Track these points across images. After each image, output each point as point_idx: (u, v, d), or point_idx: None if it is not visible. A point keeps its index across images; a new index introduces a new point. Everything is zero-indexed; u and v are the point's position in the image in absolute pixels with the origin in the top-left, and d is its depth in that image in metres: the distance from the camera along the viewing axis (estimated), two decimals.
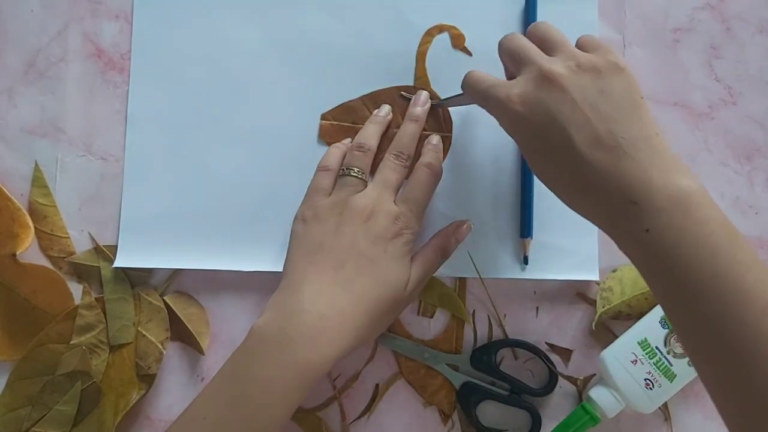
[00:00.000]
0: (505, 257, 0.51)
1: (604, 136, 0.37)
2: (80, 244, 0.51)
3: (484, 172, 0.51)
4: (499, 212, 0.51)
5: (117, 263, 0.50)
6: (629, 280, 0.50)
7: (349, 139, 0.51)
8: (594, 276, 0.50)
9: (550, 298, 0.51)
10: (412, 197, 0.46)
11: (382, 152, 0.49)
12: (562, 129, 0.38)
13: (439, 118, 0.51)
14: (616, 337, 0.49)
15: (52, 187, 0.52)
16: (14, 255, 0.51)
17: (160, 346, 0.50)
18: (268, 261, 0.50)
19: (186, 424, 0.41)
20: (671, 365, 0.47)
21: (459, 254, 0.50)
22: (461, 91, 0.45)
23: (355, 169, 0.47)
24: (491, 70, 0.45)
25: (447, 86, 0.51)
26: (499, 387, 0.50)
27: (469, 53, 0.52)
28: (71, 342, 0.50)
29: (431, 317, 0.51)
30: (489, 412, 0.50)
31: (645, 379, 0.47)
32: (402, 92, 0.52)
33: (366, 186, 0.47)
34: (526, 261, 0.50)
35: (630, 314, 0.50)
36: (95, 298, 0.50)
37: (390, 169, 0.47)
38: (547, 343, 0.51)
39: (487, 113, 0.43)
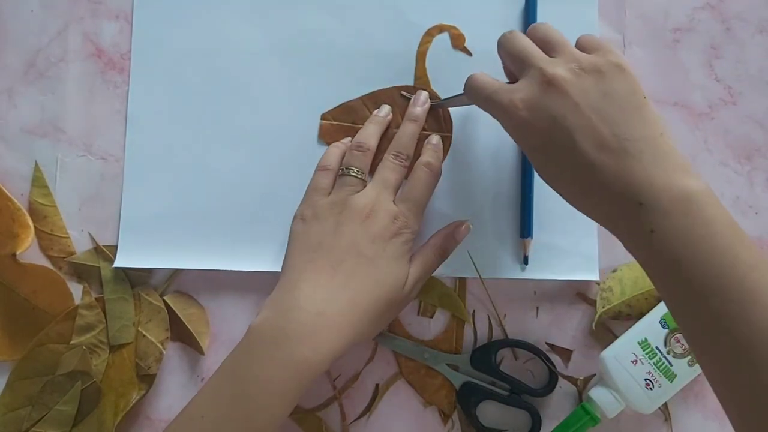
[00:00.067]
0: (505, 257, 0.51)
1: (609, 138, 0.37)
2: (80, 244, 0.52)
3: (484, 172, 0.51)
4: (499, 212, 0.51)
5: (117, 263, 0.50)
6: (629, 280, 0.50)
7: (349, 138, 0.51)
8: (594, 276, 0.50)
9: (550, 298, 0.51)
10: (411, 197, 0.47)
11: (381, 152, 0.49)
12: (567, 133, 0.38)
13: (439, 118, 0.51)
14: (616, 337, 0.49)
15: (52, 187, 0.52)
16: (14, 255, 0.51)
17: (160, 346, 0.50)
18: (267, 261, 0.50)
19: (184, 423, 0.41)
20: (671, 365, 0.47)
21: (459, 254, 0.50)
22: (461, 92, 0.45)
23: (355, 169, 0.47)
24: (491, 70, 0.45)
25: (447, 86, 0.51)
26: (499, 387, 0.50)
27: (469, 53, 0.52)
28: (71, 342, 0.50)
29: (431, 317, 0.51)
30: (489, 412, 0.50)
31: (645, 379, 0.47)
32: (402, 92, 0.52)
33: (365, 186, 0.47)
34: (526, 261, 0.50)
35: (630, 314, 0.50)
36: (95, 298, 0.50)
37: (389, 168, 0.47)
38: (547, 343, 0.51)
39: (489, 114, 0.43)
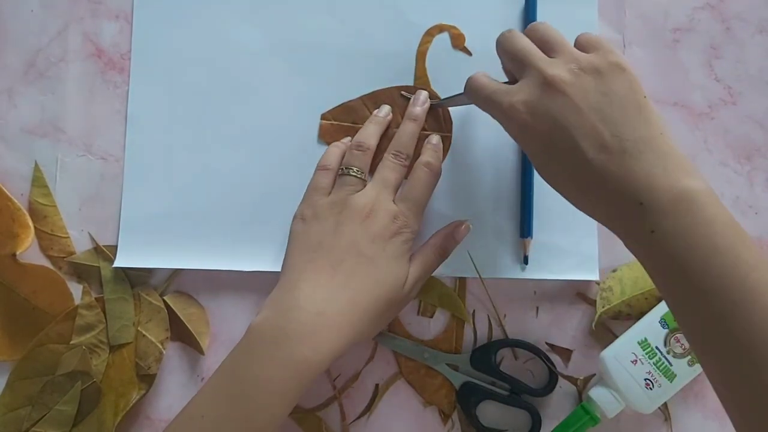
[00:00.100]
0: (505, 257, 0.51)
1: (609, 139, 0.37)
2: (80, 244, 0.51)
3: (484, 172, 0.51)
4: (499, 212, 0.51)
5: (117, 263, 0.50)
6: (629, 280, 0.50)
7: (349, 138, 0.51)
8: (594, 276, 0.50)
9: (550, 298, 0.51)
10: (411, 196, 0.47)
11: (381, 152, 0.49)
12: (568, 135, 0.38)
13: (439, 118, 0.51)
14: (616, 337, 0.49)
15: (52, 187, 0.52)
16: (14, 255, 0.51)
17: (160, 346, 0.50)
18: (267, 261, 0.50)
19: (184, 423, 0.41)
20: (671, 365, 0.47)
21: (459, 254, 0.50)
22: (461, 91, 0.46)
23: (354, 169, 0.47)
24: (491, 70, 0.45)
25: (447, 86, 0.51)
26: (499, 387, 0.50)
27: (469, 53, 0.52)
28: (71, 342, 0.50)
29: (431, 317, 0.51)
30: (489, 412, 0.50)
31: (645, 379, 0.47)
32: (402, 92, 0.52)
33: (365, 185, 0.47)
34: (526, 261, 0.50)
35: (630, 314, 0.50)
36: (95, 298, 0.50)
37: (389, 168, 0.47)
38: (547, 343, 0.51)
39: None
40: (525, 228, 0.50)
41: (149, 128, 0.52)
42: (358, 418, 0.50)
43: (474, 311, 0.51)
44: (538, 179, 0.46)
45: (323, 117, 0.52)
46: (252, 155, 0.51)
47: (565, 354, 0.51)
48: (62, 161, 0.52)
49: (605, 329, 0.51)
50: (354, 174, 0.47)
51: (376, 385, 0.51)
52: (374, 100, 0.52)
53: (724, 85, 0.53)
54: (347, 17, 0.52)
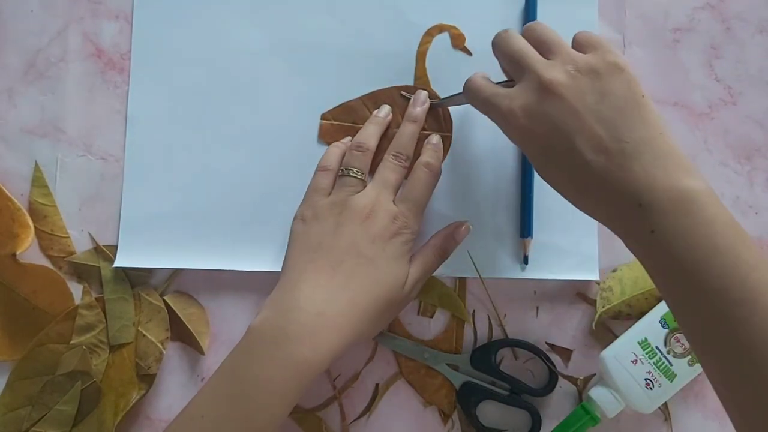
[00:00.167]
0: (505, 257, 0.51)
1: (608, 141, 0.37)
2: (80, 244, 0.51)
3: (484, 172, 0.51)
4: (499, 212, 0.51)
5: (117, 263, 0.50)
6: (629, 280, 0.50)
7: (349, 138, 0.51)
8: (594, 276, 0.50)
9: (550, 298, 0.51)
10: (411, 197, 0.47)
11: (381, 152, 0.49)
12: (566, 138, 0.38)
13: (439, 118, 0.51)
14: (616, 337, 0.49)
15: (52, 187, 0.52)
16: (14, 255, 0.51)
17: (160, 346, 0.50)
18: (267, 261, 0.50)
19: (184, 423, 0.41)
20: (671, 365, 0.47)
21: (459, 254, 0.50)
22: (461, 91, 0.46)
23: (354, 170, 0.47)
24: (491, 70, 0.45)
25: (447, 86, 0.51)
26: (499, 387, 0.50)
27: (469, 53, 0.52)
28: (71, 342, 0.50)
29: (431, 317, 0.51)
30: (489, 412, 0.50)
31: (645, 379, 0.47)
32: (402, 92, 0.52)
33: (365, 186, 0.47)
34: (526, 261, 0.50)
35: (630, 314, 0.50)
36: (95, 298, 0.50)
37: (389, 169, 0.47)
38: (547, 343, 0.51)
39: None
40: (525, 228, 0.50)
41: (149, 128, 0.52)
42: (358, 418, 0.50)
43: (474, 311, 0.51)
44: (538, 179, 0.46)
45: (323, 117, 0.52)
46: (252, 155, 0.51)
47: (565, 354, 0.51)
48: (62, 161, 0.52)
49: (605, 329, 0.51)
50: (354, 175, 0.47)
51: (376, 385, 0.51)
52: (374, 100, 0.52)
53: (724, 85, 0.53)
54: (347, 17, 0.52)
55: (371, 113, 0.51)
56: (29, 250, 0.51)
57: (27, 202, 0.52)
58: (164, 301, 0.50)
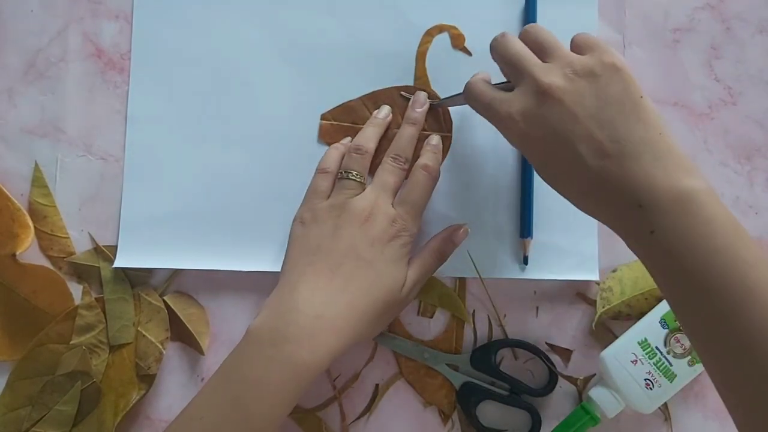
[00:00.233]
0: (504, 257, 0.51)
1: (607, 144, 0.37)
2: (80, 244, 0.51)
3: (484, 172, 0.51)
4: (499, 212, 0.51)
5: (117, 263, 0.50)
6: (629, 280, 0.50)
7: (349, 139, 0.51)
8: (594, 276, 0.50)
9: (550, 298, 0.51)
10: (409, 199, 0.47)
11: (381, 153, 0.49)
12: (565, 141, 0.38)
13: (439, 118, 0.51)
14: (616, 337, 0.49)
15: (52, 187, 0.52)
16: (14, 255, 0.51)
17: (160, 346, 0.50)
18: (267, 261, 0.50)
19: (183, 425, 0.41)
20: (671, 365, 0.47)
21: (459, 254, 0.50)
22: (461, 91, 0.46)
23: (353, 172, 0.47)
24: (491, 70, 0.45)
25: (447, 86, 0.51)
26: (499, 387, 0.50)
27: (469, 53, 0.52)
28: (71, 342, 0.50)
29: (431, 317, 0.51)
30: (489, 412, 0.50)
31: (645, 379, 0.47)
32: (402, 92, 0.52)
33: (364, 188, 0.47)
34: (526, 261, 0.50)
35: (630, 314, 0.50)
36: (95, 298, 0.50)
37: (388, 172, 0.47)
38: (547, 343, 0.51)
39: None
40: (525, 228, 0.50)
41: (149, 128, 0.52)
42: (358, 418, 0.50)
43: (474, 311, 0.51)
44: (538, 179, 0.46)
45: (323, 117, 0.52)
46: (252, 155, 0.51)
47: (565, 354, 0.51)
48: (62, 161, 0.52)
49: (605, 329, 0.51)
50: (353, 178, 0.47)
51: (376, 385, 0.51)
52: (374, 100, 0.52)
53: (724, 85, 0.53)
54: (347, 17, 0.52)
55: (371, 113, 0.51)
56: (29, 251, 0.51)
57: (27, 202, 0.52)
58: (164, 301, 0.50)
